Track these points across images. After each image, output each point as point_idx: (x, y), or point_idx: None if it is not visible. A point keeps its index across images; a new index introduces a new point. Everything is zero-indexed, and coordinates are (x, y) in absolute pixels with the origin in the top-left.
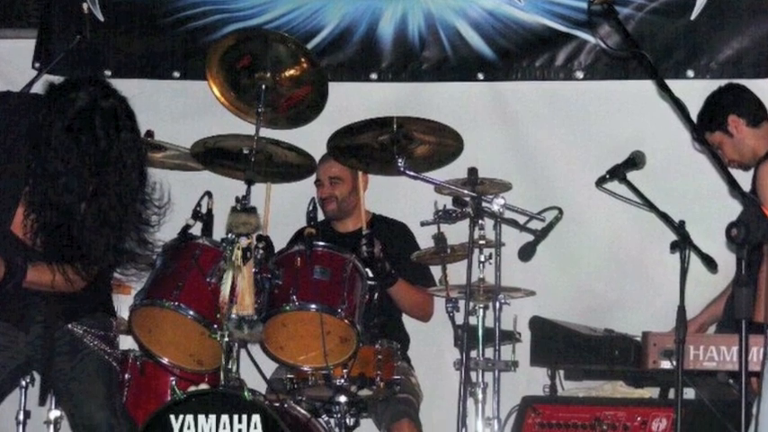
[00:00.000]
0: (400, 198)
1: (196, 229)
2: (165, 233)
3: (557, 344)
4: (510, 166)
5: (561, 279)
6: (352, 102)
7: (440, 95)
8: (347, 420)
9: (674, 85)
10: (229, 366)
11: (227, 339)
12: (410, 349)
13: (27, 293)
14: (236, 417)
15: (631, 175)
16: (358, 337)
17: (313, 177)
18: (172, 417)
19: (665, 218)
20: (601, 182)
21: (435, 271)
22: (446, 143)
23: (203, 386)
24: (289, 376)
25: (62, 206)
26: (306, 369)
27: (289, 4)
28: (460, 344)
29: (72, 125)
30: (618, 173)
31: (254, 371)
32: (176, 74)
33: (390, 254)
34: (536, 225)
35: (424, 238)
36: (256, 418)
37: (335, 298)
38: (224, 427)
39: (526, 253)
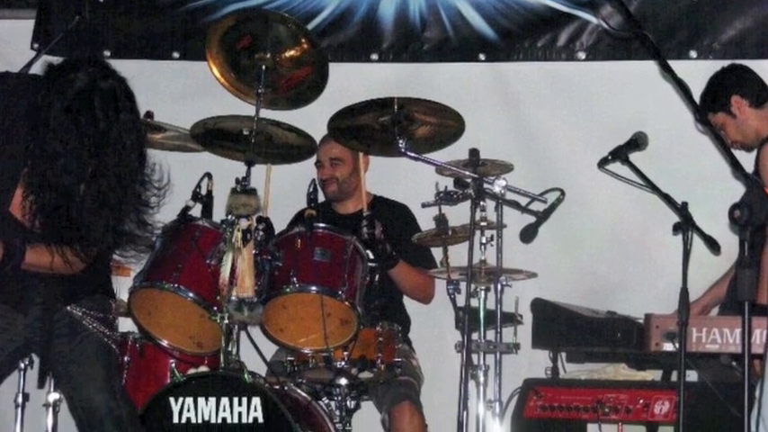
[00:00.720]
0: (401, 179)
1: (196, 211)
2: (165, 214)
3: (559, 326)
4: (512, 148)
5: (563, 261)
6: (352, 82)
7: (441, 76)
8: (348, 403)
9: (677, 65)
10: (229, 349)
11: (226, 321)
12: (411, 331)
13: (26, 275)
14: (236, 399)
15: (634, 157)
16: (359, 320)
17: (313, 158)
18: (171, 399)
19: (667, 199)
20: (603, 163)
21: (436, 253)
22: (447, 124)
23: (203, 369)
24: (289, 359)
25: (61, 187)
26: (306, 351)
27: None
28: (462, 326)
29: (71, 106)
30: (620, 154)
31: (254, 353)
32: (176, 54)
33: (391, 235)
34: (538, 206)
35: (425, 220)
36: (256, 400)
37: (336, 280)
38: (224, 410)
39: (528, 234)
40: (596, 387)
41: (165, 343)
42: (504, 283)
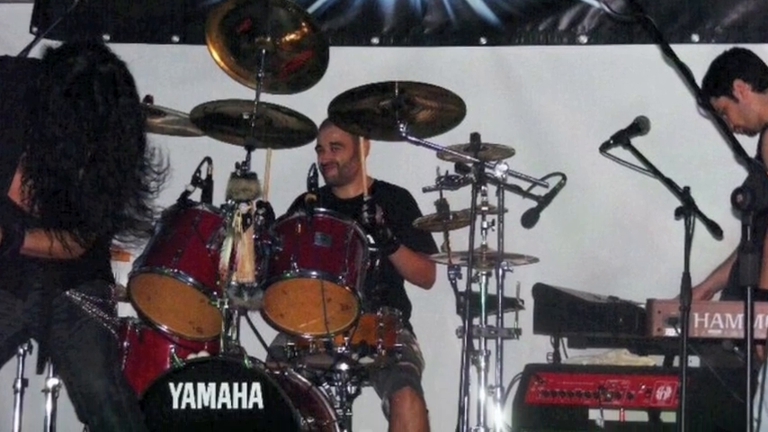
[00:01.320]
0: (402, 164)
1: (196, 195)
2: (165, 199)
3: (560, 311)
4: (513, 132)
5: (565, 246)
6: (353, 66)
7: (442, 60)
8: (348, 388)
9: (679, 49)
10: (229, 334)
11: (226, 306)
12: (412, 317)
13: (25, 260)
14: (236, 385)
15: (636, 141)
16: (359, 305)
17: (314, 143)
18: (171, 385)
19: (669, 184)
20: (605, 147)
21: (437, 237)
22: (448, 108)
23: (203, 354)
24: (289, 344)
25: (60, 172)
26: (306, 337)
27: None
28: (463, 311)
29: (70, 90)
30: (622, 138)
31: (255, 338)
32: (176, 38)
33: (392, 220)
34: (539, 191)
35: (426, 205)
36: (256, 386)
37: (336, 265)
38: (224, 396)
39: (529, 219)
40: (598, 372)
41: (164, 328)
42: (506, 268)
